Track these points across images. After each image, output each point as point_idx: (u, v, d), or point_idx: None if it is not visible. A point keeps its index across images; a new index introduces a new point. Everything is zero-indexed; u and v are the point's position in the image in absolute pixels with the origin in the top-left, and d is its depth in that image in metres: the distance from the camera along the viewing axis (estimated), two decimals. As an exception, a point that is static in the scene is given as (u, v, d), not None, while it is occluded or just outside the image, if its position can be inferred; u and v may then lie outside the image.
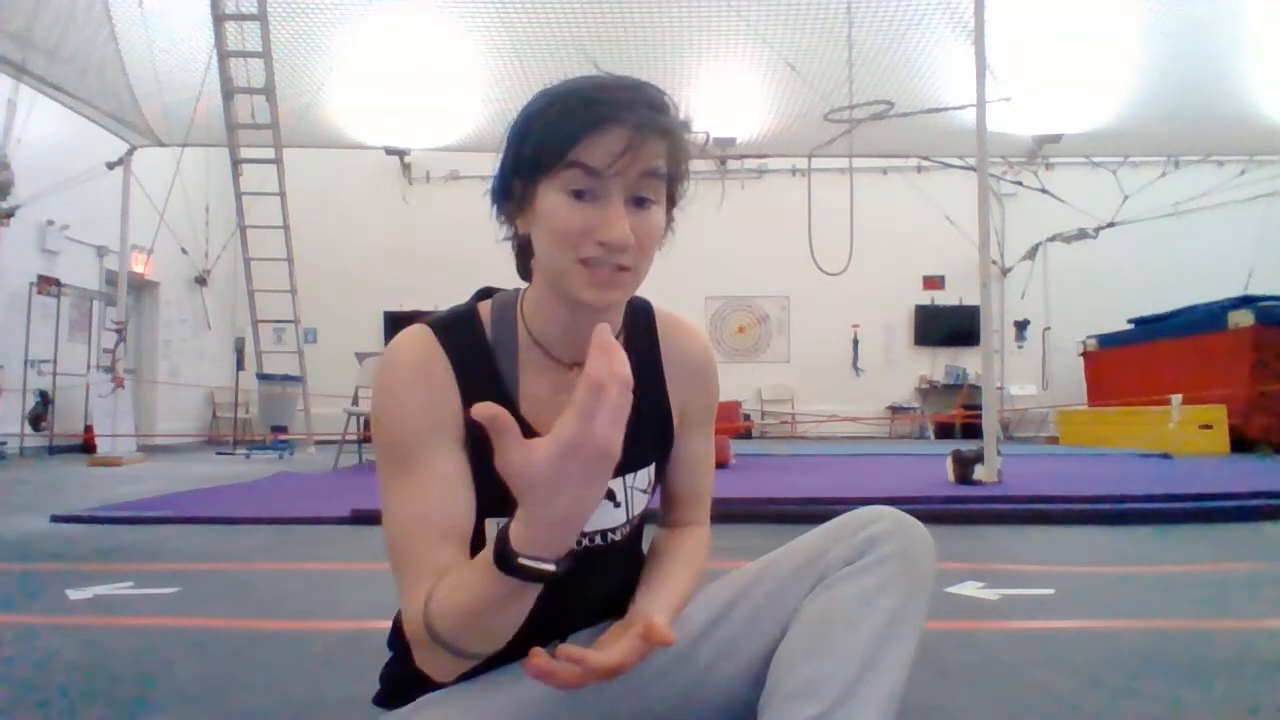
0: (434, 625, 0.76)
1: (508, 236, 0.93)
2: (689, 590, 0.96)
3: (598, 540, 0.94)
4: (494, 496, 0.87)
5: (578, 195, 0.80)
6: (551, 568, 0.68)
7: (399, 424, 0.85)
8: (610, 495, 0.94)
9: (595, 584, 0.97)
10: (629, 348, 0.96)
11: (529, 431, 0.87)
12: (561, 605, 0.96)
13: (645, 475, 0.97)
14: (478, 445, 0.88)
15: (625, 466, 0.94)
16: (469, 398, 0.87)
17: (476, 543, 0.89)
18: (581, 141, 0.79)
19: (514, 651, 0.96)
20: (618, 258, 0.81)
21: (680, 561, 0.98)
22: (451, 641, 0.76)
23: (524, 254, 0.92)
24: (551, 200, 0.81)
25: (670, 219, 0.91)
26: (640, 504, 0.98)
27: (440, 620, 0.75)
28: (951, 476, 4.36)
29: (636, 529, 1.00)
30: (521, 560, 0.67)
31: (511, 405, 0.89)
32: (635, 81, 0.84)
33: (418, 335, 0.90)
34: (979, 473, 4.29)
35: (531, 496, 0.66)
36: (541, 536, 0.67)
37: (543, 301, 0.90)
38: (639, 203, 0.82)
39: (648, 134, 0.80)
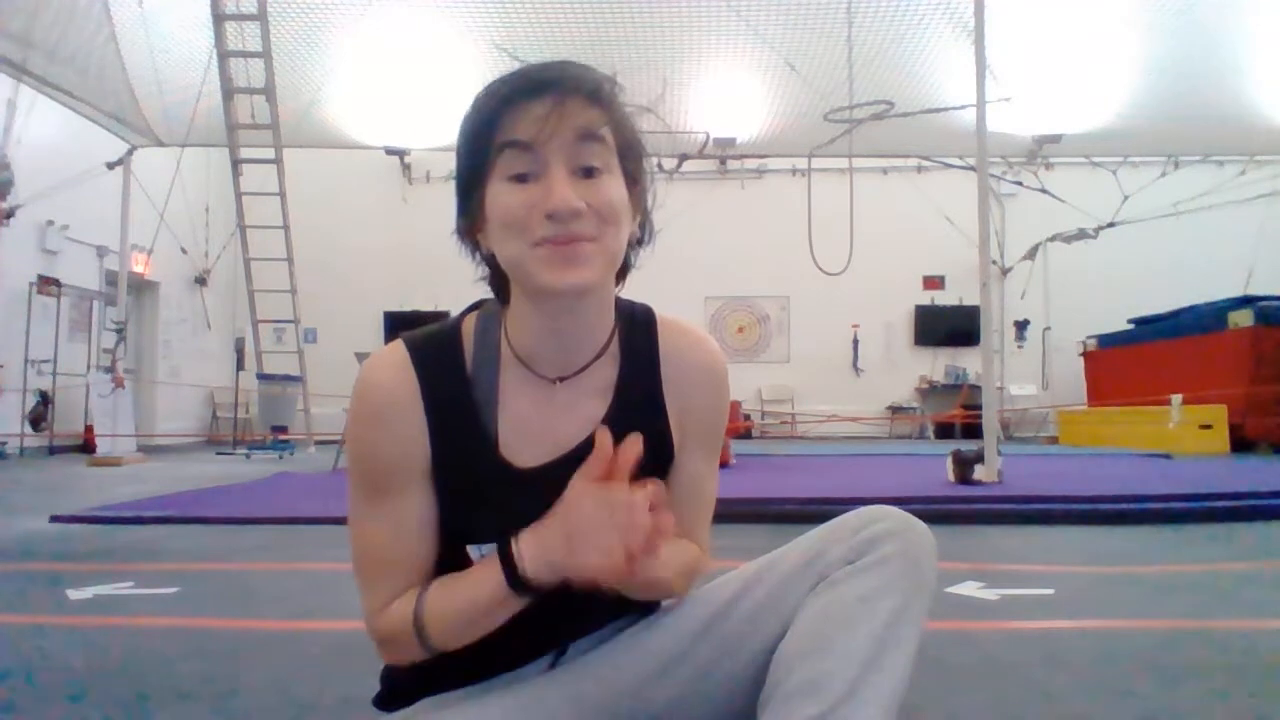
0: (424, 623, 0.84)
1: (482, 277, 0.90)
2: (687, 558, 0.93)
3: None
4: (468, 527, 0.88)
5: (520, 179, 0.78)
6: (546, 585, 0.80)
7: (368, 457, 0.87)
8: None
9: (588, 599, 0.93)
10: (622, 351, 0.93)
11: (508, 470, 0.87)
12: (554, 621, 0.95)
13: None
14: (451, 477, 0.88)
15: None
16: (440, 434, 0.86)
17: (448, 558, 0.90)
18: (506, 118, 0.78)
19: (513, 658, 0.96)
20: (571, 227, 0.78)
21: (677, 546, 0.93)
22: (439, 642, 0.85)
23: (497, 275, 0.89)
24: (496, 192, 0.80)
25: (641, 208, 0.87)
26: None
27: (432, 618, 0.84)
28: (951, 476, 4.36)
29: None
30: (526, 575, 0.80)
31: (488, 443, 0.87)
32: (562, 61, 0.83)
33: (393, 361, 0.87)
34: (979, 473, 4.29)
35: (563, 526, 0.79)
36: (547, 558, 0.80)
37: (522, 314, 0.87)
38: (587, 173, 0.79)
39: (570, 94, 0.78)
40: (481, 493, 0.88)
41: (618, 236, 0.82)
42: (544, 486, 0.87)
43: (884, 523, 0.87)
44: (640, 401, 0.92)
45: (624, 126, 0.83)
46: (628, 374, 0.92)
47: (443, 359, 0.88)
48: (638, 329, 0.94)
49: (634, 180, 0.85)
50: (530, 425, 0.89)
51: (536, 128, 0.77)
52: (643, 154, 0.86)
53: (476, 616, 0.83)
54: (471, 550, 0.88)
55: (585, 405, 0.90)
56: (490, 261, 0.88)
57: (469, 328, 0.91)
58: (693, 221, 10.31)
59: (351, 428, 0.88)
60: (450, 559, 0.90)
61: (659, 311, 0.98)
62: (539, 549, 0.79)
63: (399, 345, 0.89)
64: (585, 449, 0.89)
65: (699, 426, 0.96)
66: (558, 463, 0.89)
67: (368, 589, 0.90)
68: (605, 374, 0.91)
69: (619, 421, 0.91)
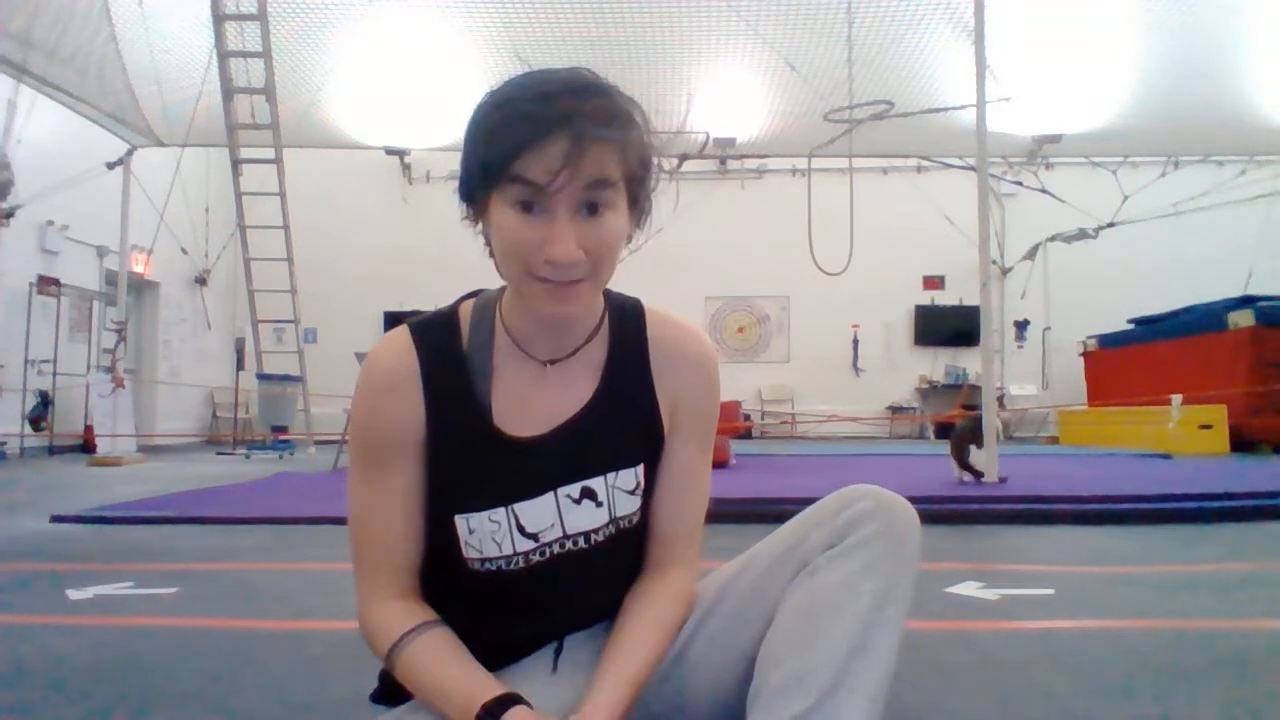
0: (394, 666, 0.89)
1: (486, 244, 0.92)
2: (654, 659, 0.90)
3: (580, 543, 0.93)
4: (459, 496, 0.90)
5: (525, 207, 0.79)
6: None
7: (368, 431, 0.91)
8: (591, 495, 0.92)
9: (581, 585, 0.96)
10: (612, 335, 0.95)
11: (500, 438, 0.90)
12: (548, 609, 0.96)
13: (631, 475, 0.94)
14: (445, 448, 0.90)
15: (608, 465, 0.92)
16: (437, 410, 0.90)
17: (439, 537, 0.93)
18: (520, 157, 0.77)
19: (511, 653, 0.96)
20: (569, 274, 0.80)
21: (648, 626, 0.91)
22: (400, 680, 0.90)
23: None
24: (501, 214, 0.80)
25: (641, 216, 0.88)
26: (625, 505, 0.94)
27: (401, 672, 0.88)
28: (955, 469, 4.39)
29: (625, 530, 0.95)
30: None
31: (483, 414, 0.90)
32: (580, 84, 0.80)
33: (396, 343, 0.92)
34: (974, 455, 4.30)
35: None
36: None
37: (516, 300, 0.91)
38: (591, 209, 0.80)
39: (587, 145, 0.77)
40: (476, 462, 0.90)
41: (612, 266, 0.85)
42: (535, 457, 0.91)
43: (864, 503, 0.86)
44: (629, 382, 0.95)
45: (636, 157, 0.83)
46: (617, 355, 0.95)
47: (441, 339, 0.92)
48: (628, 318, 0.97)
49: (635, 201, 0.86)
50: (524, 399, 0.92)
51: (548, 176, 0.77)
52: (650, 174, 0.87)
53: (435, 708, 0.85)
54: (459, 520, 0.90)
55: (577, 382, 0.94)
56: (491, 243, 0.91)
57: (466, 311, 0.95)
58: (693, 221, 10.28)
59: (355, 403, 0.92)
60: (439, 536, 0.92)
61: (648, 304, 1.01)
62: None
63: (403, 329, 0.93)
64: (576, 423, 0.92)
65: (690, 417, 0.97)
66: (550, 435, 0.91)
67: (360, 572, 0.94)
68: (595, 355, 0.95)
69: (609, 398, 0.94)
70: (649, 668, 0.89)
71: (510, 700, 0.80)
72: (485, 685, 0.83)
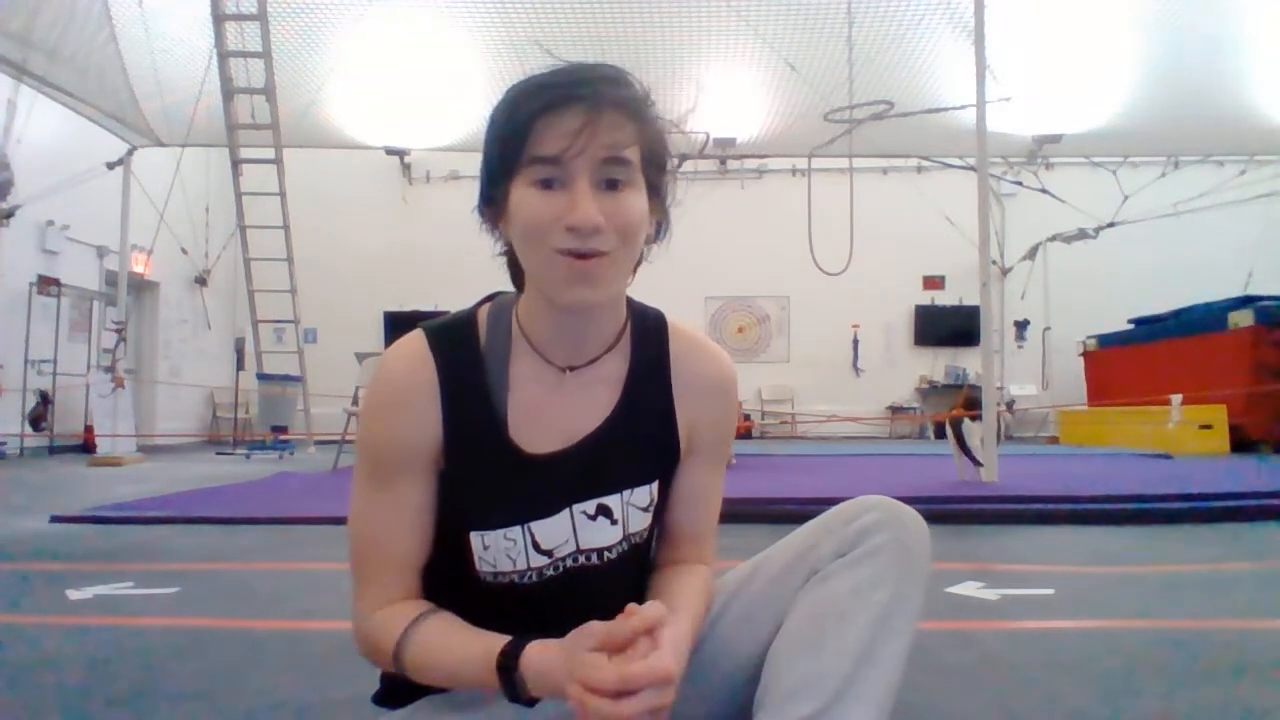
0: (403, 659, 0.85)
1: (502, 252, 0.91)
2: (702, 617, 0.90)
3: (592, 559, 0.92)
4: (475, 514, 0.89)
5: (545, 185, 0.79)
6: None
7: (377, 442, 0.88)
8: (607, 512, 0.91)
9: (590, 603, 0.94)
10: (633, 348, 0.94)
11: (517, 455, 0.88)
12: (555, 615, 0.96)
13: (645, 493, 0.93)
14: (460, 463, 0.88)
15: (624, 482, 0.92)
16: (453, 419, 0.88)
17: (450, 550, 0.91)
18: (536, 129, 0.78)
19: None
20: (591, 243, 0.78)
21: (693, 589, 0.91)
22: (412, 676, 0.86)
23: (515, 263, 0.91)
24: (520, 196, 0.80)
25: (660, 211, 0.87)
26: (638, 522, 0.94)
27: (413, 662, 0.85)
28: (956, 458, 4.41)
29: (635, 547, 0.95)
30: (530, 692, 0.78)
31: (498, 426, 0.88)
32: (593, 64, 0.82)
33: (411, 349, 0.89)
34: (969, 428, 4.32)
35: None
36: (550, 688, 0.77)
37: (536, 304, 0.89)
38: (610, 185, 0.79)
39: (603, 109, 0.78)
40: (492, 480, 0.89)
41: (634, 249, 0.83)
42: (552, 475, 0.89)
43: (874, 513, 0.86)
44: (649, 398, 0.93)
45: (651, 139, 0.84)
46: (638, 369, 0.93)
47: (458, 344, 0.90)
48: (650, 332, 0.95)
49: (655, 189, 0.85)
50: (541, 412, 0.90)
51: (565, 143, 0.77)
52: (666, 163, 0.87)
53: (456, 683, 0.84)
54: (474, 537, 0.89)
55: (595, 395, 0.91)
56: (510, 248, 0.89)
57: (484, 315, 0.93)
58: (693, 221, 10.20)
59: (365, 413, 0.90)
60: (451, 548, 0.91)
61: (671, 318, 0.98)
62: (542, 680, 0.78)
63: (418, 334, 0.90)
64: (594, 439, 0.90)
65: (707, 437, 0.97)
66: (566, 452, 0.89)
67: (361, 583, 0.91)
68: (615, 367, 0.92)
69: (628, 414, 0.92)
70: (699, 621, 0.89)
71: (525, 641, 0.80)
72: (500, 639, 0.82)
